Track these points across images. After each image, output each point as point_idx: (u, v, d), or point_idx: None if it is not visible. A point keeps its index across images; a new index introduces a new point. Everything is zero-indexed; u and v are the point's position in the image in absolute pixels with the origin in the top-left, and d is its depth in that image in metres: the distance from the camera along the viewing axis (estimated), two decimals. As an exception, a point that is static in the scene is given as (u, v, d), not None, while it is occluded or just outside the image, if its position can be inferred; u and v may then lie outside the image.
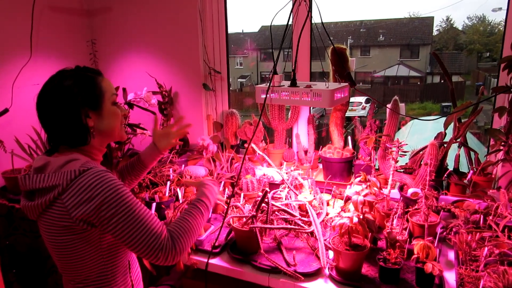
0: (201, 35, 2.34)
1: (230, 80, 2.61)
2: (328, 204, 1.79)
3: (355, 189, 1.65)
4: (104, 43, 2.63)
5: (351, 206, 1.43)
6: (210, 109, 2.51)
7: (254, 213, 1.52)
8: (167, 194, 1.86)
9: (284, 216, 1.59)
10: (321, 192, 1.88)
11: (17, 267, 2.16)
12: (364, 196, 1.39)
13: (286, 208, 1.56)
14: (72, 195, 1.00)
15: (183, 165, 2.22)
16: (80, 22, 2.55)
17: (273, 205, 1.54)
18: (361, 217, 1.33)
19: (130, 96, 2.31)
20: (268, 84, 1.50)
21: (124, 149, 2.35)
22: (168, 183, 1.88)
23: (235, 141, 2.49)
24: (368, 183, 1.60)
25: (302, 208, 1.71)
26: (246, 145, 2.43)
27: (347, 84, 1.61)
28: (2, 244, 2.14)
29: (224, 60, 2.45)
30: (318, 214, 1.68)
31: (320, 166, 2.20)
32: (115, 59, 2.64)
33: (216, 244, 1.58)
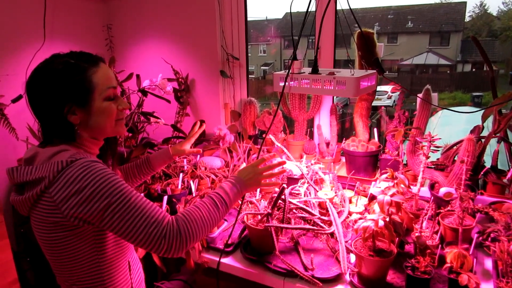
0: (219, 19, 2.22)
1: (253, 68, 2.49)
2: (350, 202, 1.66)
3: (380, 186, 1.52)
4: (120, 28, 2.55)
5: (376, 207, 1.30)
6: (227, 97, 2.40)
7: (270, 211, 1.41)
8: (179, 186, 1.78)
9: (303, 215, 1.47)
10: (343, 188, 1.75)
11: (31, 255, 2.14)
12: (391, 195, 1.26)
13: (304, 207, 1.44)
14: (60, 188, 0.92)
15: (198, 156, 2.13)
16: (95, 6, 2.47)
17: (290, 202, 1.43)
18: (387, 219, 1.20)
19: (145, 83, 2.22)
20: (287, 71, 1.37)
21: (138, 138, 2.28)
22: (181, 175, 1.79)
23: (253, 131, 2.37)
24: (395, 181, 1.46)
25: (322, 206, 1.59)
26: (264, 136, 2.32)
27: (374, 71, 1.46)
28: (17, 232, 2.13)
29: (243, 46, 2.33)
30: (340, 213, 1.55)
31: (343, 159, 2.06)
32: (131, 45, 2.55)
33: (229, 242, 1.48)
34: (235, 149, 2.11)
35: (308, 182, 1.68)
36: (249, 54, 2.58)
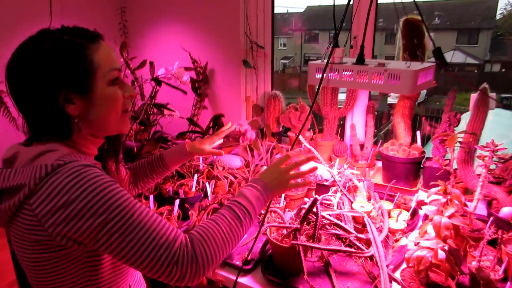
0: (243, 3, 2.00)
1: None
2: (389, 216, 1.43)
3: (431, 199, 1.28)
4: (134, 12, 2.35)
5: (429, 228, 1.07)
6: (250, 89, 2.19)
7: (298, 226, 1.20)
8: (193, 188, 1.58)
9: (336, 231, 1.25)
10: (380, 198, 1.51)
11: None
12: (450, 217, 1.03)
13: (340, 223, 1.22)
14: (43, 200, 0.72)
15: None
16: (109, -14, 2.28)
17: (323, 217, 1.21)
18: (446, 248, 0.97)
19: (160, 72, 2.02)
20: (326, 60, 1.14)
21: (151, 132, 2.09)
22: (196, 175, 1.59)
23: (277, 128, 2.15)
24: (448, 196, 1.22)
25: (357, 219, 1.37)
26: (290, 134, 2.10)
27: (432, 64, 1.21)
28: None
29: (268, 33, 2.10)
30: (377, 230, 1.33)
31: (379, 164, 1.82)
32: (145, 30, 2.36)
33: (249, 258, 1.28)
34: (257, 147, 1.90)
35: (341, 191, 1.46)
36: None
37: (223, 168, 1.76)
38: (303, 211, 1.23)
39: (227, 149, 2.03)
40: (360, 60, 1.19)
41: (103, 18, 2.26)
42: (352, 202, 1.43)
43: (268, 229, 1.27)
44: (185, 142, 1.30)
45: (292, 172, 0.99)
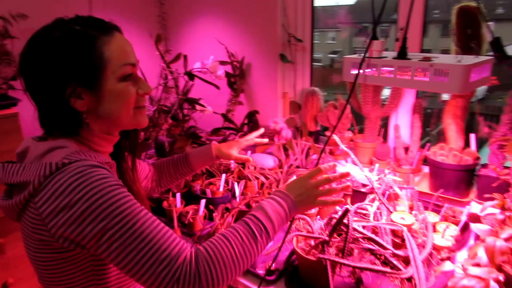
0: (282, -7, 1.89)
1: (320, 56, 2.14)
2: (435, 230, 1.27)
3: (485, 213, 1.12)
4: (173, 4, 2.32)
5: (481, 252, 0.91)
6: (287, 85, 2.08)
7: (327, 238, 1.08)
8: (221, 188, 1.51)
9: (370, 246, 1.12)
10: (425, 209, 1.35)
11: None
12: (507, 239, 0.87)
13: (374, 237, 1.09)
14: (47, 199, 0.68)
15: (248, 152, 1.84)
16: (149, -21, 2.27)
17: (355, 230, 1.08)
18: (501, 278, 0.82)
19: (196, 65, 1.97)
20: (363, 54, 1.01)
21: (185, 127, 2.05)
22: (224, 175, 1.52)
23: (314, 127, 2.03)
24: (506, 213, 1.05)
25: (396, 233, 1.23)
26: (327, 133, 1.97)
27: (489, 58, 1.04)
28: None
29: (308, 26, 1.98)
30: (420, 245, 1.18)
31: (425, 170, 1.65)
32: (184, 23, 2.32)
33: (272, 267, 1.18)
34: (292, 147, 1.79)
35: (379, 200, 1.32)
36: (316, 41, 2.25)
37: (255, 168, 1.68)
38: (334, 221, 1.12)
39: (261, 148, 1.94)
40: (402, 54, 1.04)
41: (142, 10, 2.25)
42: (391, 213, 1.29)
43: (295, 238, 1.17)
44: (212, 144, 1.23)
45: (322, 189, 0.88)
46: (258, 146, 1.94)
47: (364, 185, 1.48)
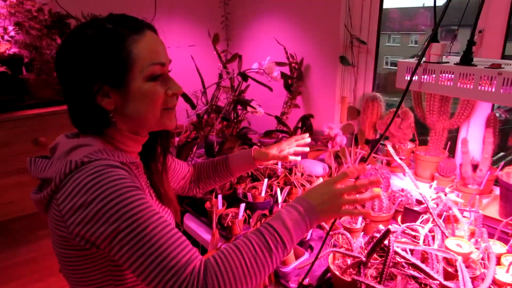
0: (346, -8, 1.79)
1: (399, 60, 2.00)
2: (498, 263, 1.10)
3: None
4: (237, 4, 2.33)
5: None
6: (347, 89, 1.97)
7: (364, 259, 0.99)
8: (263, 193, 1.46)
9: (415, 273, 1.00)
10: (490, 238, 1.18)
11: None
12: None
13: (419, 264, 0.97)
14: (66, 196, 0.69)
15: (299, 157, 1.77)
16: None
17: (397, 254, 0.97)
18: None
19: (254, 66, 1.95)
20: (419, 57, 0.90)
21: (238, 127, 2.04)
22: (266, 180, 1.47)
23: (373, 135, 1.90)
24: None
25: (450, 261, 1.08)
26: (387, 143, 1.83)
27: None
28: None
29: (374, 27, 1.85)
30: (476, 278, 1.03)
31: (496, 192, 1.45)
32: (247, 23, 2.32)
33: (305, 282, 1.11)
34: (344, 155, 1.69)
35: (434, 221, 1.18)
36: (397, 44, 2.12)
37: (302, 175, 1.61)
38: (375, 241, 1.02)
39: (313, 153, 1.87)
40: (466, 60, 0.90)
41: (207, 10, 2.29)
42: (446, 238, 1.14)
43: (332, 255, 1.09)
44: (253, 147, 1.19)
45: (348, 197, 0.79)
46: (309, 152, 1.87)
47: (419, 203, 1.34)
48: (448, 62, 0.94)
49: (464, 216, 1.30)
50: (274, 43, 2.10)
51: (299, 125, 1.96)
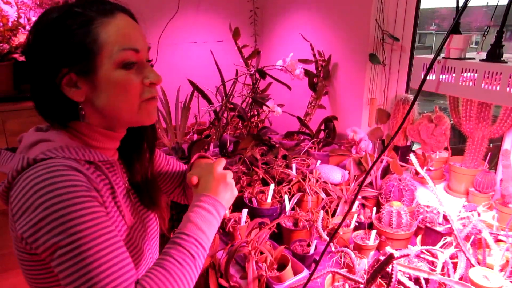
0: (379, -18, 1.63)
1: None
2: (535, 304, 0.91)
3: None
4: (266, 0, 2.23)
5: None
6: (376, 90, 1.80)
7: (363, 284, 0.85)
8: (269, 199, 1.35)
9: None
10: (529, 270, 0.99)
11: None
12: None
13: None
14: (15, 196, 0.62)
15: (318, 161, 1.65)
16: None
17: (402, 284, 0.83)
18: None
19: (278, 63, 1.84)
20: (436, 51, 0.74)
21: (259, 126, 1.94)
22: (273, 185, 1.36)
23: (403, 141, 1.72)
24: None
25: (473, 295, 0.92)
26: (418, 151, 1.64)
27: None
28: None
29: (410, 22, 1.67)
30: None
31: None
32: (275, 19, 2.21)
33: (300, 304, 0.99)
34: (367, 162, 1.54)
35: (458, 245, 1.01)
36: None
37: (317, 181, 1.48)
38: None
39: (335, 158, 1.72)
40: (494, 55, 0.73)
41: (233, 4, 2.21)
42: (472, 266, 0.97)
43: (331, 275, 0.96)
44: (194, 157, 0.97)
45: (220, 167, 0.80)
46: (332, 156, 1.73)
47: (441, 223, 1.17)
48: (473, 59, 0.77)
49: (499, 240, 1.11)
50: (303, 39, 1.97)
51: (322, 127, 1.82)
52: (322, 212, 1.20)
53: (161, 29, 1.97)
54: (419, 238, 1.15)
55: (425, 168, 1.44)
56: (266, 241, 1.16)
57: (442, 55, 0.78)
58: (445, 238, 1.07)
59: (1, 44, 1.66)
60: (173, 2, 1.97)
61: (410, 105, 0.67)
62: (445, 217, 1.18)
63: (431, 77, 0.80)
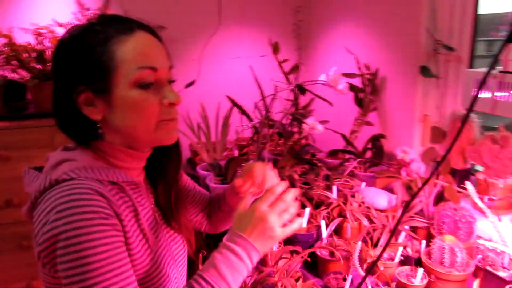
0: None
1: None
2: None
3: None
4: (310, 12, 2.15)
5: None
6: (430, 106, 1.64)
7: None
8: (304, 224, 1.25)
9: None
10: None
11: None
12: None
13: None
14: (37, 217, 0.63)
15: (363, 183, 1.51)
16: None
17: None
18: None
19: (322, 77, 1.75)
20: (489, 65, 0.61)
21: (301, 143, 1.85)
22: (308, 209, 1.25)
23: (462, 164, 1.53)
24: None
25: None
26: (479, 175, 1.45)
27: None
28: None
29: (467, 30, 1.50)
30: None
31: None
32: (320, 31, 2.13)
33: None
34: (417, 186, 1.38)
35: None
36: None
37: (359, 206, 1.35)
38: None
39: (382, 181, 1.57)
40: None
41: (275, 18, 2.16)
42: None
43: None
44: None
45: (279, 207, 0.67)
46: (379, 178, 1.58)
47: (507, 267, 0.99)
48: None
49: None
50: (349, 52, 1.86)
51: (369, 145, 1.68)
52: (360, 243, 1.08)
53: (202, 46, 1.97)
54: (476, 283, 0.98)
55: (486, 197, 1.25)
56: (297, 271, 1.06)
57: (500, 68, 0.65)
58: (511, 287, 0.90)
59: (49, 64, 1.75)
60: (214, 18, 1.96)
61: (461, 124, 0.55)
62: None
63: (485, 94, 0.67)
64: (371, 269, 0.84)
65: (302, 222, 0.62)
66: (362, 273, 1.01)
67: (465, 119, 0.60)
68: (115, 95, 0.66)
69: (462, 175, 1.49)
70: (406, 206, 0.71)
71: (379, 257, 0.72)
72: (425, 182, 0.75)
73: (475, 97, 0.60)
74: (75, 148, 0.73)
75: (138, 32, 0.68)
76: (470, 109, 0.59)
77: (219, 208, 0.96)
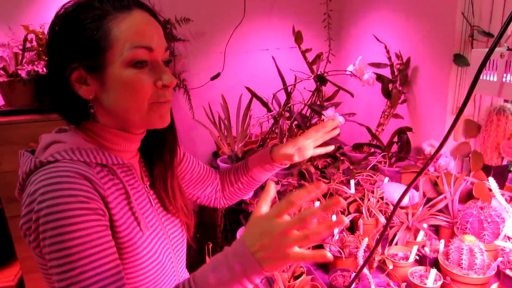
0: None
1: None
2: None
3: None
4: (341, 0, 2.07)
5: None
6: (463, 98, 1.51)
7: None
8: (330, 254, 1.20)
9: None
10: None
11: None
12: None
13: None
14: (25, 199, 0.63)
15: (386, 178, 1.44)
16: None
17: None
18: None
19: (350, 68, 1.68)
20: (493, 42, 0.53)
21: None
22: (317, 203, 1.20)
23: (497, 160, 1.41)
24: None
25: None
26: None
27: None
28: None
29: (507, 15, 1.36)
30: None
31: None
32: (351, 20, 2.05)
33: None
34: (443, 183, 1.28)
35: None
36: None
37: (378, 201, 1.28)
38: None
39: (408, 176, 1.48)
40: None
41: (303, 8, 2.10)
42: None
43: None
44: (271, 146, 0.98)
45: (296, 235, 0.53)
46: (405, 173, 1.49)
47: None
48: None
49: None
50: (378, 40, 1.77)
51: (395, 139, 1.59)
52: (366, 239, 1.02)
53: (227, 38, 1.96)
54: (494, 287, 0.89)
55: (517, 195, 1.14)
56: (301, 266, 1.02)
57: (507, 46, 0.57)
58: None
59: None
60: (239, 9, 1.94)
61: (460, 108, 0.48)
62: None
63: (490, 77, 0.59)
64: (367, 261, 0.78)
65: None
66: (367, 272, 0.95)
67: (463, 105, 0.53)
68: (108, 73, 0.65)
69: (498, 172, 1.37)
70: (399, 202, 0.64)
71: (373, 250, 0.67)
72: (430, 158, 0.68)
73: (476, 78, 0.53)
74: (68, 130, 0.73)
75: (135, 11, 0.66)
76: (470, 92, 0.52)
77: (238, 179, 1.01)
